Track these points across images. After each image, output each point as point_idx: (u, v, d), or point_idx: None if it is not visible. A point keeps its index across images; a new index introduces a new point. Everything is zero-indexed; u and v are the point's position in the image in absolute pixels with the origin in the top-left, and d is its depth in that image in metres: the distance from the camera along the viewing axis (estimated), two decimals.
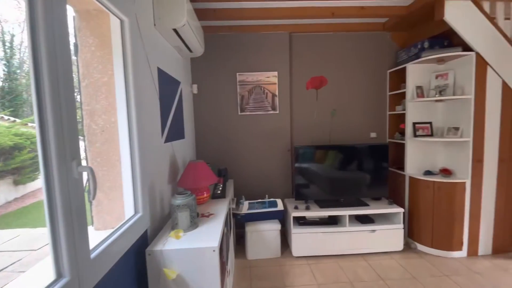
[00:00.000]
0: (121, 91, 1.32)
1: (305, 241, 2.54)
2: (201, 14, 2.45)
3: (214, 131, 2.99)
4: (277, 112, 3.01)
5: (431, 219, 2.52)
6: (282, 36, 2.94)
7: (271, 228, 2.55)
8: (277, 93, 2.99)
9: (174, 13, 1.68)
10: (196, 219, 1.53)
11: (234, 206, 2.57)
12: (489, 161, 2.42)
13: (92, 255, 0.92)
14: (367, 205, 2.68)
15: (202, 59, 2.87)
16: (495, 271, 2.23)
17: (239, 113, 2.98)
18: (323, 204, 2.72)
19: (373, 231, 2.54)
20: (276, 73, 2.97)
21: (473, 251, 2.49)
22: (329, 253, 2.56)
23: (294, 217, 2.61)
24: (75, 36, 1.31)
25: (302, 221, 2.64)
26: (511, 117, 2.40)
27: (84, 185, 0.95)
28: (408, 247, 2.68)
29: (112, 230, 1.15)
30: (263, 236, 2.55)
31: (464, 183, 2.40)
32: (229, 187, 2.43)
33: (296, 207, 2.66)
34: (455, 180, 2.42)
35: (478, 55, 2.32)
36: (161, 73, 1.78)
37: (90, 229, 1.34)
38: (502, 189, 2.45)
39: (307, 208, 2.62)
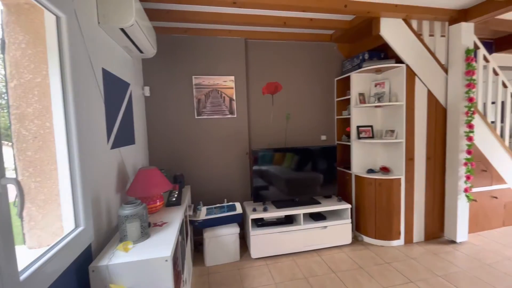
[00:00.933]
0: (58, 93, 1.20)
1: (263, 242, 2.59)
2: (153, 14, 2.36)
3: (169, 135, 2.88)
4: (235, 116, 3.03)
5: (374, 213, 2.80)
6: (238, 42, 2.99)
7: (230, 232, 2.55)
8: (234, 97, 3.01)
9: (121, 12, 1.59)
10: (147, 230, 1.46)
11: (191, 212, 2.51)
12: (419, 159, 2.79)
13: (22, 277, 0.82)
14: (319, 203, 2.85)
15: (155, 61, 2.76)
16: (427, 255, 2.57)
17: (196, 117, 2.93)
18: (280, 205, 2.81)
19: (325, 227, 2.72)
20: (233, 77, 3.00)
21: (409, 239, 2.83)
22: (286, 252, 2.66)
23: (252, 219, 2.65)
24: (2, 31, 1.16)
25: (260, 223, 2.69)
26: (435, 121, 2.82)
27: (14, 199, 0.84)
28: (356, 239, 2.93)
29: (47, 248, 1.03)
30: (222, 241, 2.54)
31: (400, 179, 2.73)
32: (185, 194, 2.36)
33: (254, 209, 2.71)
34: (392, 176, 2.73)
35: (408, 67, 2.67)
36: (107, 75, 1.67)
37: (22, 248, 1.18)
38: (429, 183, 2.85)
39: (265, 210, 2.69)
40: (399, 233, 2.78)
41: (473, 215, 2.96)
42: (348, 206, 2.79)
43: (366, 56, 2.89)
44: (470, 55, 2.61)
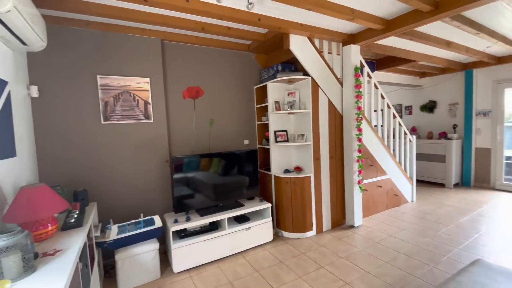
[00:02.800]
0: None
1: (186, 253, 2.48)
2: (43, 0, 1.96)
3: (67, 145, 2.43)
4: (152, 121, 2.82)
5: (290, 209, 3.08)
6: (153, 42, 2.80)
7: (148, 249, 2.34)
8: (150, 101, 2.80)
9: None
10: (33, 262, 1.19)
11: (98, 233, 2.18)
12: (324, 158, 3.22)
13: None
14: (243, 205, 2.94)
15: (47, 55, 2.29)
16: (334, 241, 2.98)
17: (103, 122, 2.57)
18: (203, 212, 2.76)
19: (249, 228, 2.82)
20: (148, 79, 2.78)
21: (320, 229, 3.23)
22: (211, 259, 2.62)
23: (173, 232, 2.51)
24: None
25: (183, 234, 2.57)
26: (334, 126, 3.32)
27: None
28: (277, 236, 3.15)
29: None
30: (139, 260, 2.30)
31: (310, 176, 3.09)
32: (89, 212, 2.03)
33: (176, 221, 2.56)
34: (304, 175, 3.06)
35: (312, 79, 3.06)
36: None
37: None
38: (332, 178, 3.33)
39: (188, 220, 2.58)
40: (312, 225, 3.14)
41: (365, 202, 3.62)
42: (269, 205, 2.98)
43: (280, 67, 3.17)
44: (358, 72, 3.20)
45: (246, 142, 3.50)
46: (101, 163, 2.58)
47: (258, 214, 3.06)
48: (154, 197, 2.85)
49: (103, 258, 2.54)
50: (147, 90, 2.78)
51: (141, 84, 2.75)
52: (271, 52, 3.49)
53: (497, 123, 4.85)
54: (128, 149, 2.71)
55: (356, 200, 3.32)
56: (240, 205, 2.95)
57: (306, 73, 3.08)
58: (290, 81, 3.23)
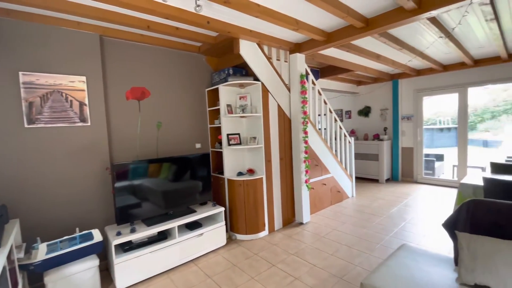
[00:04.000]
0: None
1: (132, 267, 2.30)
2: None
3: None
4: (88, 124, 2.54)
5: (244, 211, 3.11)
6: (90, 37, 2.54)
7: (85, 268, 2.09)
8: (87, 102, 2.53)
9: None
10: None
11: (22, 255, 1.87)
12: (275, 160, 3.36)
13: None
14: (195, 211, 2.86)
15: None
16: (285, 239, 3.11)
17: (26, 126, 2.23)
18: (151, 222, 2.59)
19: (201, 234, 2.76)
20: (84, 78, 2.51)
21: (271, 228, 3.34)
22: (161, 271, 2.48)
23: (116, 245, 2.30)
24: None
25: (127, 247, 2.37)
26: (284, 129, 3.48)
27: None
28: (230, 239, 3.15)
29: None
30: (74, 280, 2.04)
31: (262, 178, 3.18)
32: (9, 231, 1.73)
33: (119, 233, 2.35)
34: (256, 177, 3.13)
35: (263, 84, 3.16)
36: None
37: None
38: (283, 179, 3.48)
39: (133, 231, 2.40)
40: (264, 225, 3.23)
41: (312, 200, 3.88)
42: (222, 209, 2.96)
43: (231, 71, 3.20)
44: (303, 79, 3.43)
45: (198, 145, 3.42)
46: (25, 173, 2.22)
47: (211, 219, 3.02)
48: (92, 209, 2.57)
49: (29, 282, 2.18)
50: (83, 90, 2.51)
51: (76, 83, 2.47)
52: (223, 55, 3.49)
53: (417, 126, 5.71)
54: (60, 156, 2.39)
55: (304, 198, 3.53)
56: (192, 211, 2.86)
57: (256, 78, 3.17)
58: (241, 85, 3.28)
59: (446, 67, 5.02)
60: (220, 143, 3.36)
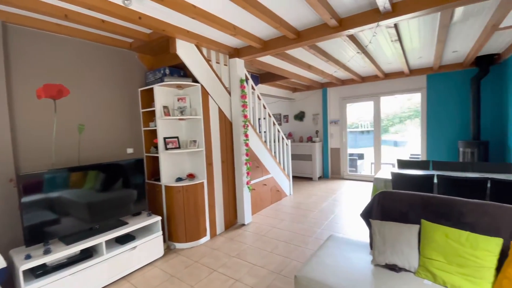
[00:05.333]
0: None
1: None
2: None
3: None
4: None
5: (183, 218, 2.99)
6: None
7: None
8: None
9: None
10: None
11: None
12: (216, 163, 3.33)
13: None
14: (126, 223, 2.60)
15: None
16: (227, 243, 3.10)
17: None
18: (72, 239, 2.25)
19: (134, 247, 2.53)
20: None
21: (213, 233, 3.29)
22: None
23: (25, 271, 1.92)
24: None
25: (40, 271, 2.00)
26: (225, 132, 3.49)
27: None
28: (169, 249, 2.98)
29: None
30: None
31: (203, 182, 3.12)
32: None
33: (28, 256, 1.97)
34: (197, 181, 3.05)
35: (202, 87, 3.11)
36: None
37: None
38: (225, 181, 3.48)
39: (47, 252, 2.04)
40: (206, 230, 3.16)
41: (253, 201, 3.99)
42: (158, 218, 2.77)
43: (167, 71, 3.05)
44: (243, 83, 3.51)
45: (130, 150, 3.13)
46: None
47: (146, 230, 2.80)
48: None
49: None
50: None
51: None
52: (158, 54, 3.29)
53: (342, 129, 6.47)
54: None
55: (246, 199, 3.60)
56: (123, 224, 2.60)
57: (195, 80, 3.09)
58: (179, 87, 3.15)
59: (364, 79, 5.85)
60: (156, 147, 3.15)
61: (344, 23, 2.59)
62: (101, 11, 2.11)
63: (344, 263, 1.80)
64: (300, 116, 7.08)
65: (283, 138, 5.03)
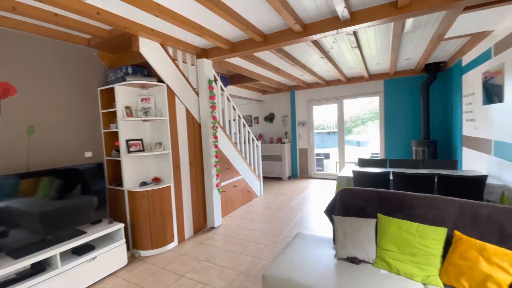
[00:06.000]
0: None
1: None
2: None
3: None
4: None
5: (149, 225, 2.86)
6: None
7: None
8: None
9: None
10: None
11: None
12: (184, 166, 3.25)
13: None
14: (84, 232, 2.42)
15: None
16: (196, 247, 3.04)
17: None
18: (21, 253, 2.03)
19: (94, 258, 2.36)
20: None
21: (181, 238, 3.20)
22: None
23: None
24: None
25: None
26: (193, 134, 3.42)
27: None
28: (133, 258, 2.83)
29: None
30: None
31: (170, 186, 3.02)
32: None
33: None
34: (163, 185, 2.94)
35: (168, 87, 3.01)
36: None
37: None
38: (193, 184, 3.41)
39: None
40: (173, 236, 3.06)
41: (224, 203, 3.96)
42: (121, 225, 2.62)
43: (130, 70, 2.90)
44: (211, 84, 3.47)
45: (88, 154, 2.92)
46: None
47: (107, 239, 2.62)
48: None
49: None
50: None
51: None
52: (120, 52, 3.12)
53: (310, 130, 6.72)
54: None
55: (216, 202, 3.56)
56: (81, 233, 2.41)
57: (160, 80, 2.99)
58: (143, 86, 3.02)
59: (328, 82, 6.14)
60: (118, 150, 2.97)
61: (308, 28, 2.70)
62: (54, 4, 1.95)
63: (310, 259, 1.87)
64: (270, 118, 7.20)
65: (253, 140, 5.07)
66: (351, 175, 3.30)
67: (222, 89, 4.05)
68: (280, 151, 6.53)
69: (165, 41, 2.87)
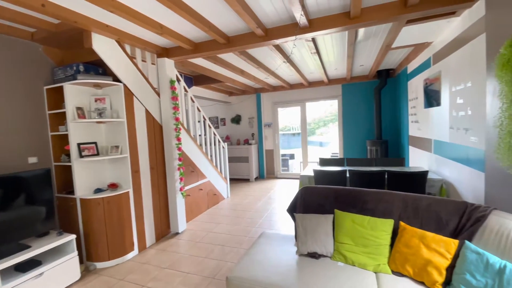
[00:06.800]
0: None
1: None
2: None
3: None
4: None
5: (105, 234, 2.67)
6: None
7: None
8: None
9: None
10: None
11: None
12: (144, 170, 3.09)
13: None
14: (29, 247, 2.17)
15: None
16: (158, 254, 2.91)
17: None
18: None
19: (40, 274, 2.13)
20: None
21: (142, 246, 3.04)
22: None
23: None
24: None
25: None
26: (154, 136, 3.28)
27: None
28: (87, 271, 2.61)
29: None
30: None
31: (128, 192, 2.85)
32: None
33: None
34: (121, 191, 2.77)
35: (125, 86, 2.85)
36: None
37: None
38: (155, 189, 3.26)
39: None
40: (133, 244, 2.89)
41: (188, 207, 3.86)
42: (72, 237, 2.40)
43: (82, 68, 2.69)
44: (173, 84, 3.37)
45: (32, 160, 2.62)
46: None
47: (57, 252, 2.38)
48: None
49: None
50: None
51: None
52: (70, 48, 2.86)
53: (275, 131, 6.88)
54: None
55: (179, 207, 3.45)
56: (24, 248, 2.15)
57: (117, 79, 2.81)
58: (97, 86, 2.82)
59: (292, 86, 6.36)
60: (69, 155, 2.73)
61: (269, 33, 2.77)
62: None
63: (273, 257, 1.91)
64: (236, 120, 7.21)
65: (219, 141, 5.03)
66: (312, 174, 3.45)
67: (185, 90, 3.95)
68: (247, 152, 6.57)
69: (121, 38, 2.72)
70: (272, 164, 6.97)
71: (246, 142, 6.85)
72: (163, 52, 3.30)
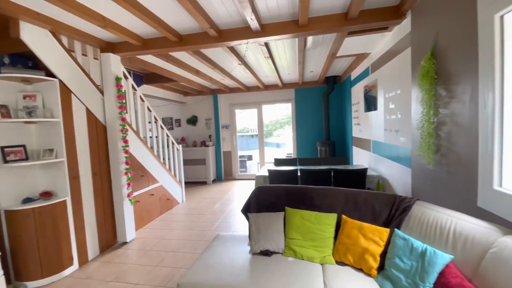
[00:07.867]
0: None
1: None
2: None
3: None
4: None
5: (37, 249, 2.34)
6: None
7: None
8: None
9: None
10: None
11: None
12: (85, 176, 2.80)
13: None
14: None
15: None
16: (102, 267, 2.66)
17: None
18: None
19: None
20: None
21: (83, 260, 2.74)
22: None
23: None
24: None
25: None
26: (97, 138, 3.00)
27: None
28: None
29: None
30: None
31: (65, 200, 2.55)
32: None
33: None
34: (56, 200, 2.46)
35: (61, 83, 2.55)
36: None
37: None
38: (98, 197, 2.98)
39: None
40: (72, 259, 2.59)
41: (138, 214, 3.62)
42: None
43: (7, 60, 2.34)
44: (119, 82, 3.13)
45: None
46: None
47: None
48: None
49: None
50: None
51: None
52: None
53: (233, 133, 6.88)
54: None
55: (127, 214, 3.21)
56: None
57: (51, 74, 2.50)
58: (26, 81, 2.47)
59: (249, 88, 6.45)
60: None
61: (223, 35, 2.78)
62: None
63: (226, 258, 1.91)
64: (193, 121, 7.01)
65: (173, 143, 4.83)
66: (267, 174, 3.55)
67: (134, 88, 3.71)
68: (204, 154, 6.44)
69: (56, 28, 2.43)
70: (230, 166, 6.96)
71: (203, 143, 6.71)
72: (107, 46, 3.05)
